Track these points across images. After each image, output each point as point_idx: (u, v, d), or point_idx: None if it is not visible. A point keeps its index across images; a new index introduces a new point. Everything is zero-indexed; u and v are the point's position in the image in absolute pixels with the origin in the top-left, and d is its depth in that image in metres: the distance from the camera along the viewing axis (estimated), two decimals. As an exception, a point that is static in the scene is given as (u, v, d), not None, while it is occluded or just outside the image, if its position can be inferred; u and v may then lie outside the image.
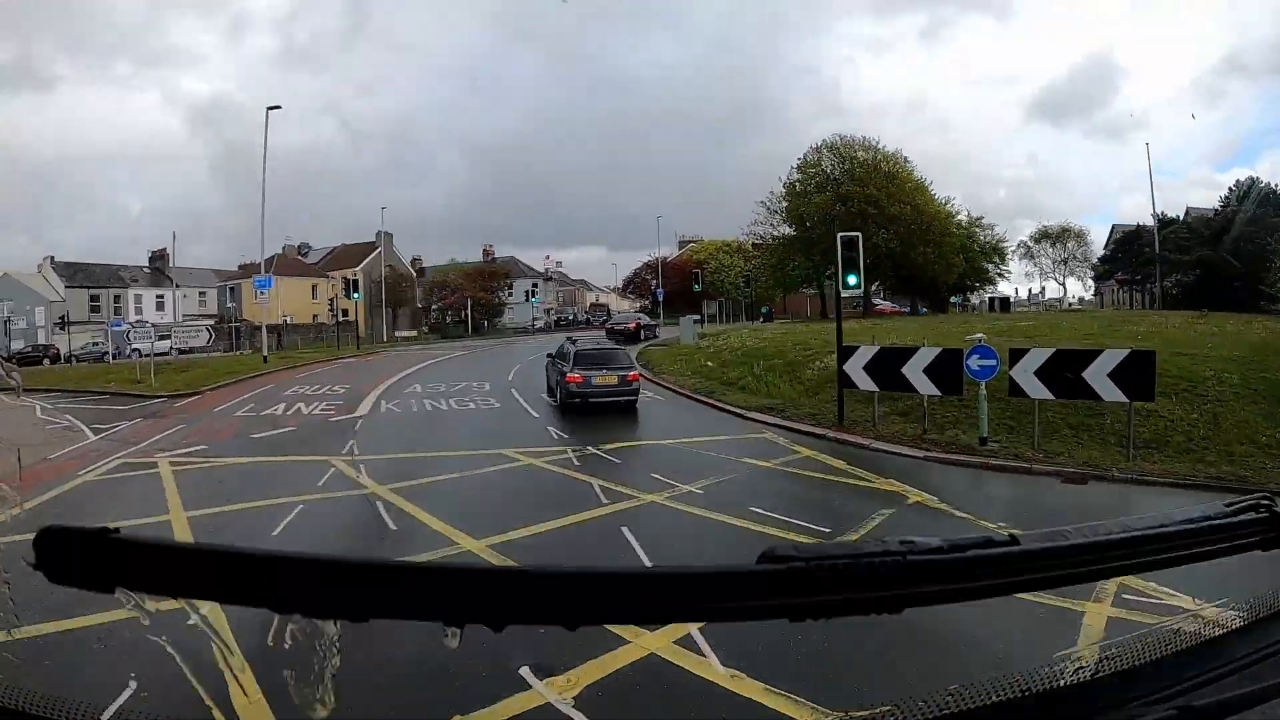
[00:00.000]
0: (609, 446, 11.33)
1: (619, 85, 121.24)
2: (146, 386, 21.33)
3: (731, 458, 10.59)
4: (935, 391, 11.44)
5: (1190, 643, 1.04)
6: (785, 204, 49.26)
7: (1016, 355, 10.73)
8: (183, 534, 7.21)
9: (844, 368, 12.75)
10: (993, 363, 10.66)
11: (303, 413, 15.75)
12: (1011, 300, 60.10)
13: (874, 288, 62.66)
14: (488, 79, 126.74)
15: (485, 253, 67.75)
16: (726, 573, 0.67)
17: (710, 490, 8.61)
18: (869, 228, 45.61)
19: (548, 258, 73.17)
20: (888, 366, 12.01)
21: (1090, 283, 67.43)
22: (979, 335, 11.73)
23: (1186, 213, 49.92)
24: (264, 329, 29.75)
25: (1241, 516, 0.93)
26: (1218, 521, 0.91)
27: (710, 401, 16.31)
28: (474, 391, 18.50)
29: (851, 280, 13.18)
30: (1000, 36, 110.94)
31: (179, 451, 11.63)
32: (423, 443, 12.10)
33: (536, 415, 14.92)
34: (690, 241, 73.44)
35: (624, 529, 7.12)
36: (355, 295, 34.41)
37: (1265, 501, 0.96)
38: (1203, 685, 0.94)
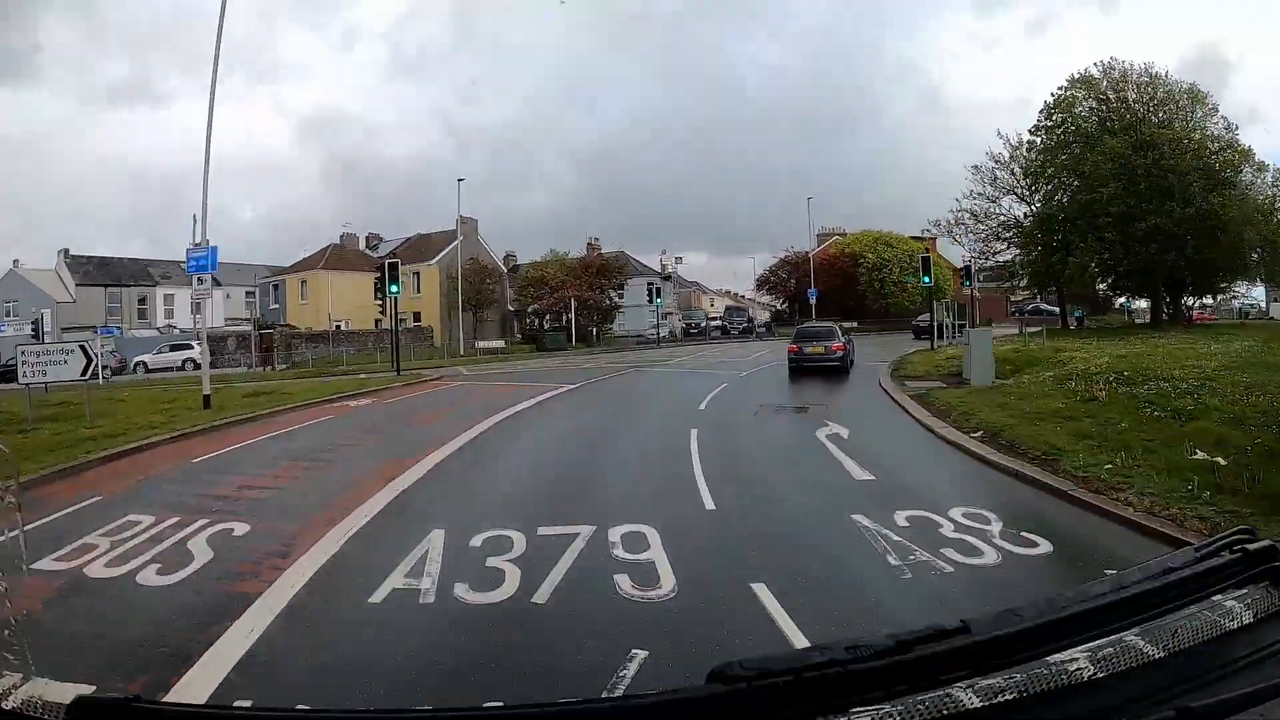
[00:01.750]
0: None
1: (720, 88, 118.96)
2: None
3: None
4: None
5: (1190, 643, 0.99)
6: (1039, 159, 33.65)
7: None
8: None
9: None
10: None
11: None
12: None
13: (1032, 290, 43.23)
14: (588, 84, 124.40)
15: (590, 247, 52.88)
16: (673, 701, 0.71)
17: None
18: (1188, 189, 29.58)
19: (664, 253, 58.95)
20: None
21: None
22: None
23: None
24: (203, 342, 16.87)
25: (1210, 562, 0.94)
26: (1185, 573, 0.93)
27: None
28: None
29: None
30: (1108, 28, 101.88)
31: None
32: None
33: None
34: (831, 234, 58.94)
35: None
36: (393, 289, 22.04)
37: (1242, 537, 0.96)
38: (1203, 685, 0.92)
